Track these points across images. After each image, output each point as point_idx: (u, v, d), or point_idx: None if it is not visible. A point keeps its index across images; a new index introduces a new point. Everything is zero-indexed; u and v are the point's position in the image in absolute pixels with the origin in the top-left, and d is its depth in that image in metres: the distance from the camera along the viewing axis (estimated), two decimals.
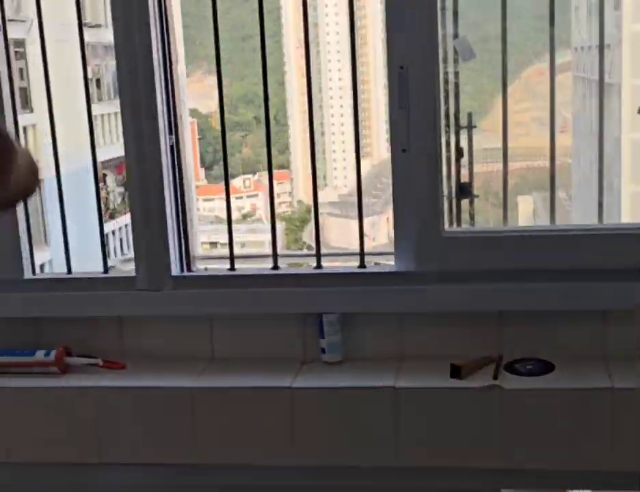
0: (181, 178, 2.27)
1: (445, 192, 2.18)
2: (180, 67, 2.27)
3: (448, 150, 2.22)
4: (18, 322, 2.32)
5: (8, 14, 2.28)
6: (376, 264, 2.34)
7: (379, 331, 2.20)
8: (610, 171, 6.21)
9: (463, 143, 2.24)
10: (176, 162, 2.26)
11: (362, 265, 2.25)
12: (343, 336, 2.19)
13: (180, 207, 2.27)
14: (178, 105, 2.26)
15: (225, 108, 2.31)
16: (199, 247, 2.39)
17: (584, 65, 6.24)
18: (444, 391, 2.04)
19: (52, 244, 4.07)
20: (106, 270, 2.35)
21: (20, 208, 2.27)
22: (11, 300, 2.30)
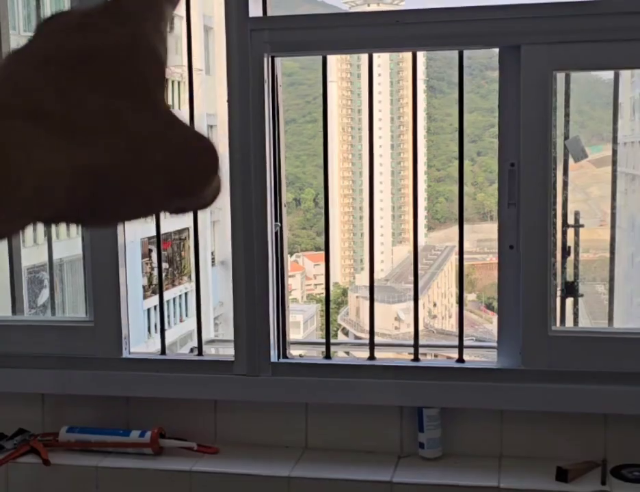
0: (282, 264, 2.29)
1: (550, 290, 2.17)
2: None
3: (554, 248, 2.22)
4: (114, 401, 2.32)
5: None
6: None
7: (478, 427, 2.17)
8: None
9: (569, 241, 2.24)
10: (278, 248, 2.28)
11: (461, 359, 2.23)
12: (442, 431, 2.16)
13: (280, 292, 2.28)
14: (283, 191, 2.30)
15: None
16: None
17: (626, 159, 6.29)
18: None
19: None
20: (200, 352, 2.35)
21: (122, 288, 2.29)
22: (108, 378, 2.30)
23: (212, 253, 13.37)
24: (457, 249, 2.33)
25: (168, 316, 13.03)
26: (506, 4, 2.08)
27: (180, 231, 12.34)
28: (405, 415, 2.21)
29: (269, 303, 2.23)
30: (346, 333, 19.97)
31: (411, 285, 2.41)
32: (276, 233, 2.27)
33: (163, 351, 2.37)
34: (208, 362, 2.30)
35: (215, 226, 13.23)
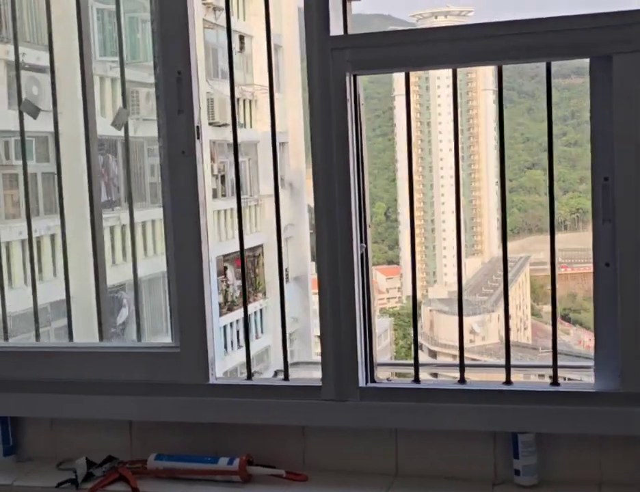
0: (368, 285, 2.25)
1: None
2: None
3: None
4: (201, 427, 2.31)
5: None
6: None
7: (576, 453, 2.09)
8: None
9: None
10: (364, 269, 2.23)
11: (555, 382, 2.15)
12: (538, 457, 2.08)
13: (367, 315, 2.24)
14: (367, 211, 2.25)
15: None
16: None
17: None
18: None
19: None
20: (286, 377, 2.31)
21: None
22: (194, 405, 2.28)
23: (285, 270, 13.43)
24: (531, 259, 2.25)
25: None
26: (596, 12, 2.00)
27: (253, 249, 12.40)
28: (499, 440, 2.13)
29: (356, 327, 2.18)
30: (420, 347, 19.82)
31: (486, 297, 2.35)
32: (361, 254, 2.23)
33: (249, 376, 2.34)
34: (296, 387, 2.27)
35: (288, 242, 13.27)
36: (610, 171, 2.02)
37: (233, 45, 2.41)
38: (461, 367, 2.22)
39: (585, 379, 2.25)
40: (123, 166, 10.65)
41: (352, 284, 2.18)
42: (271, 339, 11.60)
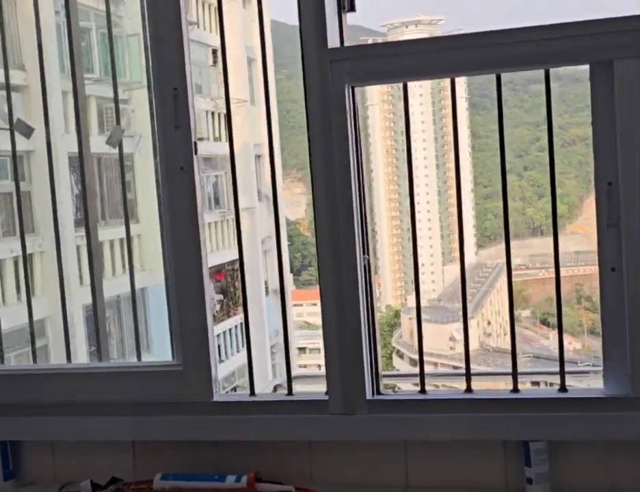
0: (372, 296, 2.23)
1: None
2: None
3: None
4: (205, 445, 2.27)
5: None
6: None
7: (588, 459, 2.08)
8: None
9: None
10: (367, 281, 2.22)
11: (563, 388, 2.14)
12: (550, 465, 2.07)
13: (371, 326, 2.22)
14: (369, 223, 2.24)
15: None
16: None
17: None
18: None
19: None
20: (290, 392, 2.29)
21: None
22: (198, 422, 2.25)
23: (265, 282, 13.40)
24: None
25: (225, 348, 13.06)
26: (593, 19, 2.01)
27: (232, 262, 12.36)
28: (509, 449, 2.12)
29: (361, 339, 2.16)
30: (401, 356, 19.81)
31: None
32: (364, 265, 2.21)
33: (252, 392, 2.31)
34: (301, 402, 2.24)
35: (266, 255, 13.24)
36: (614, 175, 2.02)
37: (205, 59, 2.40)
38: (467, 376, 2.21)
39: (575, 384, 2.24)
40: (99, 184, 10.60)
41: (357, 295, 2.16)
42: (253, 353, 11.55)
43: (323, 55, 2.13)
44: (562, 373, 2.16)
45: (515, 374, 2.18)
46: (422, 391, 2.23)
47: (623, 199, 2.00)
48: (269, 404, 2.26)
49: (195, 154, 2.25)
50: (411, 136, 2.35)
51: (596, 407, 2.06)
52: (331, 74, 2.13)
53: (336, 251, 2.16)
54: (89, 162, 2.43)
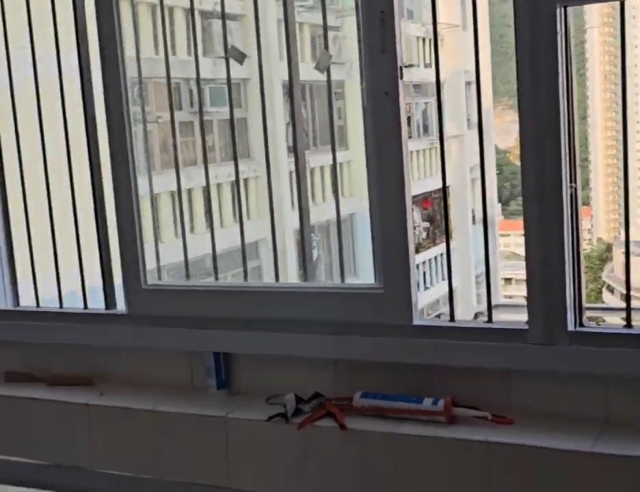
0: (578, 227, 2.17)
1: None
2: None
3: None
4: (404, 368, 2.32)
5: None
6: None
7: None
8: None
9: None
10: (574, 211, 2.16)
11: None
12: None
13: (575, 257, 2.17)
14: (577, 151, 2.17)
15: None
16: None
17: None
18: None
19: None
20: (490, 319, 2.29)
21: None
22: (398, 345, 2.30)
23: (472, 211, 13.25)
24: None
25: (431, 275, 13.12)
26: None
27: (440, 190, 12.25)
28: None
29: (565, 269, 2.12)
30: (611, 291, 19.08)
31: None
32: (571, 194, 2.15)
33: (452, 318, 2.33)
34: (500, 330, 2.24)
35: (474, 184, 13.07)
36: None
37: None
38: None
39: None
40: (312, 110, 10.80)
41: (561, 225, 2.11)
42: (458, 281, 11.54)
43: None
44: None
45: None
46: (628, 325, 2.16)
47: None
48: (468, 330, 2.27)
49: (401, 78, 2.25)
50: (627, 61, 2.24)
51: None
52: None
53: (541, 180, 2.11)
54: (298, 89, 2.50)
